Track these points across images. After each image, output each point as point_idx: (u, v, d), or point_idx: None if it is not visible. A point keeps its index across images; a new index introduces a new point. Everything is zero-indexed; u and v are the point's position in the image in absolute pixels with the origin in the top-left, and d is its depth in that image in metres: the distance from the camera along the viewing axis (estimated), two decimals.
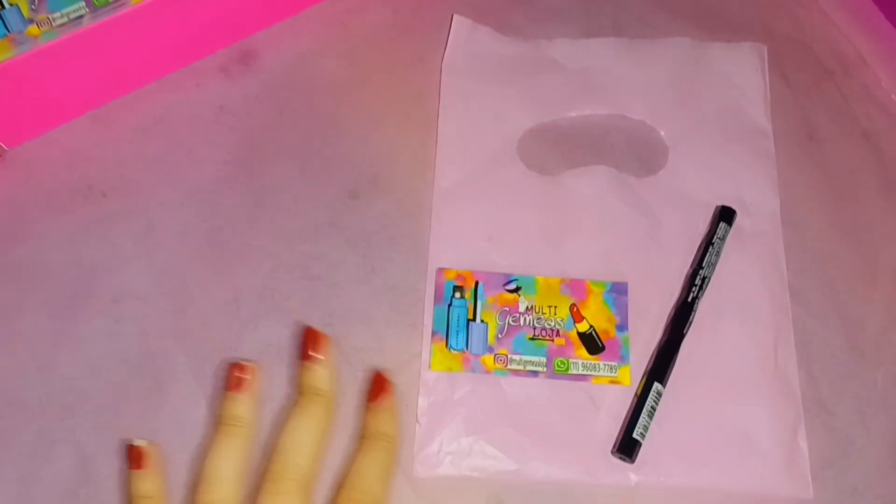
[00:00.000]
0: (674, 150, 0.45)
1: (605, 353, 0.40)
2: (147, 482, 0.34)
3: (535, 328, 0.41)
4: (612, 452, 0.38)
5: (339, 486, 0.33)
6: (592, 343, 0.41)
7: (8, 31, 0.39)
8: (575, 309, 0.41)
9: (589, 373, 0.40)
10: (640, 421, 0.38)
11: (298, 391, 0.34)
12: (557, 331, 0.41)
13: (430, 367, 0.40)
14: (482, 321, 0.41)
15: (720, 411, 0.39)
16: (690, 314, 0.41)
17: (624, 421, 0.39)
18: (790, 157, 0.46)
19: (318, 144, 0.45)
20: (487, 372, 0.40)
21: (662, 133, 0.46)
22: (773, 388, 0.40)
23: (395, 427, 0.35)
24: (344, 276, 0.42)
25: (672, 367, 0.40)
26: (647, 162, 0.45)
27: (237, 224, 0.43)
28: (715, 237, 0.42)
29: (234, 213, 0.43)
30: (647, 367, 0.40)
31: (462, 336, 0.40)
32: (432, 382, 0.40)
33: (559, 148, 0.45)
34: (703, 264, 0.41)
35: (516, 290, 0.41)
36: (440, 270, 0.42)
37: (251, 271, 0.42)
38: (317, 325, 0.39)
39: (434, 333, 0.40)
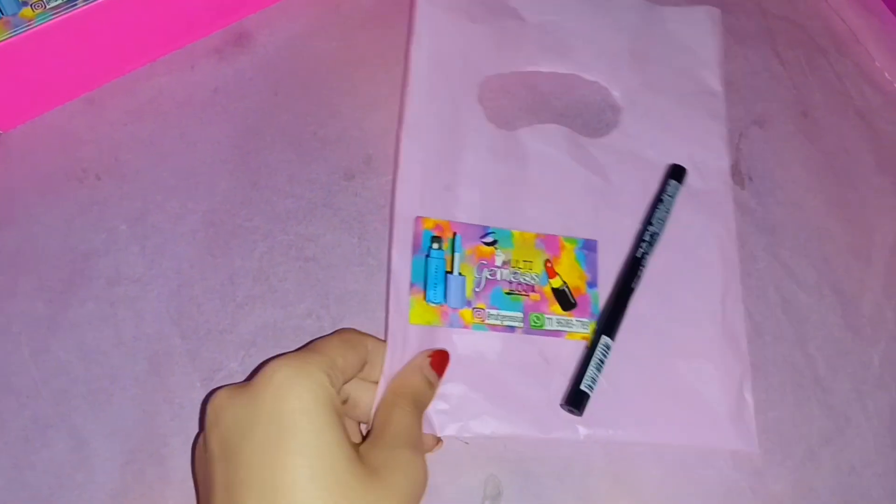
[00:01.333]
0: (627, 111, 0.46)
1: (576, 309, 0.40)
2: None
3: (511, 283, 0.40)
4: (561, 405, 0.38)
5: None
6: (565, 299, 0.40)
7: (2, 13, 0.39)
8: (549, 264, 0.41)
9: (563, 328, 0.40)
10: (587, 373, 0.38)
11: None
12: (532, 286, 0.40)
13: (408, 320, 0.39)
14: (460, 274, 0.40)
15: (669, 366, 0.40)
16: (639, 269, 0.41)
17: (573, 374, 0.39)
18: (784, 135, 0.46)
19: (312, 126, 0.45)
20: (466, 326, 0.39)
21: (616, 94, 0.46)
22: (720, 343, 0.40)
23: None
24: (339, 257, 0.42)
25: (620, 322, 0.40)
26: (600, 122, 0.46)
27: (232, 206, 0.43)
28: (664, 194, 0.42)
29: (228, 195, 0.43)
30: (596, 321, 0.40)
31: (440, 289, 0.39)
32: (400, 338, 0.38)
33: (516, 102, 0.46)
34: (652, 221, 0.42)
35: (493, 242, 0.41)
36: (418, 219, 0.41)
37: (246, 253, 0.42)
38: (312, 307, 0.40)
39: (412, 285, 0.39)
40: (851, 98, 0.47)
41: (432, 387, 0.36)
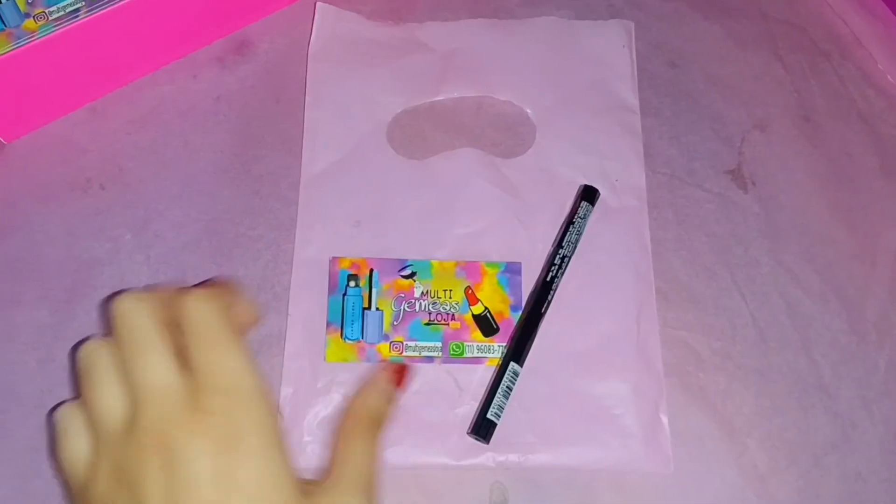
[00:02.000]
0: (541, 129, 0.45)
1: (499, 334, 0.40)
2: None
3: (430, 313, 0.41)
4: (468, 433, 0.38)
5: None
6: (487, 325, 0.41)
7: (5, 25, 0.39)
8: (470, 291, 0.41)
9: (484, 355, 0.40)
10: (494, 401, 0.38)
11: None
12: (453, 314, 0.41)
13: (325, 358, 0.39)
14: (377, 309, 0.40)
15: (582, 388, 0.40)
16: (549, 294, 0.40)
17: (481, 402, 0.39)
18: (787, 139, 0.46)
19: None
20: (383, 360, 0.39)
21: (529, 112, 0.46)
22: (635, 364, 0.40)
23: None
24: None
25: (529, 348, 0.40)
26: (514, 142, 0.45)
27: (235, 214, 0.43)
28: (576, 217, 0.42)
29: (231, 204, 0.43)
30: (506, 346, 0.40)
31: (357, 325, 0.40)
32: (294, 371, 0.39)
33: (427, 131, 0.45)
34: (563, 244, 0.41)
35: (411, 275, 0.41)
36: (334, 259, 0.41)
37: (249, 262, 0.42)
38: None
39: (329, 324, 0.40)
40: (854, 102, 0.47)
41: (391, 402, 0.35)
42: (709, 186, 0.45)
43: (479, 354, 0.40)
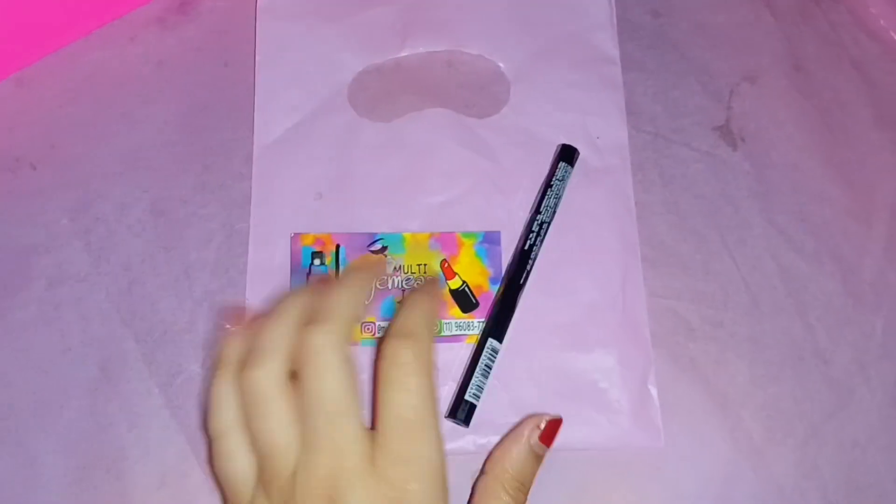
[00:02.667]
0: (516, 85, 0.43)
1: (479, 309, 0.39)
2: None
3: (404, 290, 0.39)
4: (446, 417, 0.37)
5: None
6: (465, 300, 0.39)
7: None
8: (446, 265, 0.39)
9: (463, 332, 0.38)
10: (473, 381, 0.36)
11: None
12: None
13: None
14: None
15: (566, 363, 0.38)
16: (528, 264, 0.39)
17: (458, 383, 0.37)
18: (777, 91, 0.44)
19: None
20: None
21: (502, 66, 0.43)
22: (620, 334, 0.39)
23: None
24: None
25: (509, 322, 0.38)
26: (488, 100, 0.43)
27: (183, 192, 0.40)
28: (554, 179, 0.40)
29: (179, 180, 0.41)
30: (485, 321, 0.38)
31: None
32: None
33: (393, 91, 0.43)
34: (541, 209, 0.39)
35: (382, 250, 0.39)
36: (295, 236, 0.39)
37: (202, 244, 0.40)
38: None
39: None
40: (846, 48, 0.45)
41: (539, 460, 0.33)
42: (696, 145, 0.43)
43: (458, 332, 0.38)
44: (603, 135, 0.42)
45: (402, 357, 0.28)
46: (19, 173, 0.40)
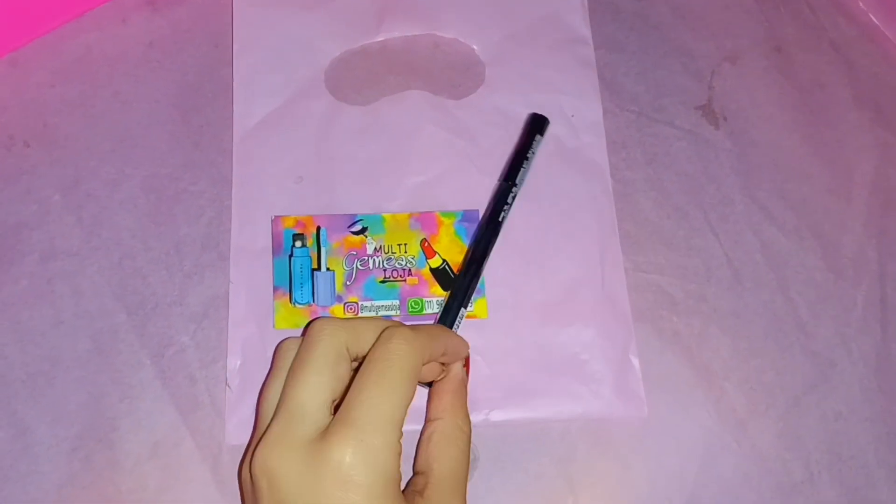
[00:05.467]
0: (491, 66, 0.43)
1: None
2: None
3: (385, 270, 0.38)
4: (421, 384, 0.36)
5: None
6: (446, 278, 0.39)
7: None
8: (426, 244, 0.39)
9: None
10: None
11: None
12: (409, 270, 0.39)
13: (274, 325, 0.37)
14: (328, 269, 0.38)
15: (547, 337, 0.38)
16: (496, 233, 0.38)
17: None
18: (758, 72, 0.44)
19: None
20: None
21: (476, 48, 0.44)
22: (601, 308, 0.39)
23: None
24: None
25: (473, 290, 0.38)
26: (464, 82, 0.43)
27: (173, 169, 0.40)
28: (525, 148, 0.40)
29: (169, 158, 0.41)
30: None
31: (307, 288, 0.38)
32: (241, 341, 0.37)
33: (370, 75, 0.43)
34: (509, 179, 0.39)
35: (362, 231, 0.39)
36: (277, 219, 0.39)
37: (192, 219, 0.40)
38: None
39: (276, 289, 0.38)
40: (826, 30, 0.46)
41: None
42: (679, 123, 0.43)
43: (440, 310, 0.38)
44: (577, 113, 0.42)
45: None
46: (13, 150, 0.40)
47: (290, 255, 0.38)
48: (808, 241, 0.41)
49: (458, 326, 0.37)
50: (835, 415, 0.38)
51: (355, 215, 0.39)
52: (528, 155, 0.40)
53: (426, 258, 0.39)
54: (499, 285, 0.39)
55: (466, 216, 0.39)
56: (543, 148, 0.41)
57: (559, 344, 0.38)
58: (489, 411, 0.37)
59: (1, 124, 0.41)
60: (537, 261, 0.40)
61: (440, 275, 0.39)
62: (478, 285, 0.38)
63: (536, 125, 0.41)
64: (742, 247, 0.41)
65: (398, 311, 0.38)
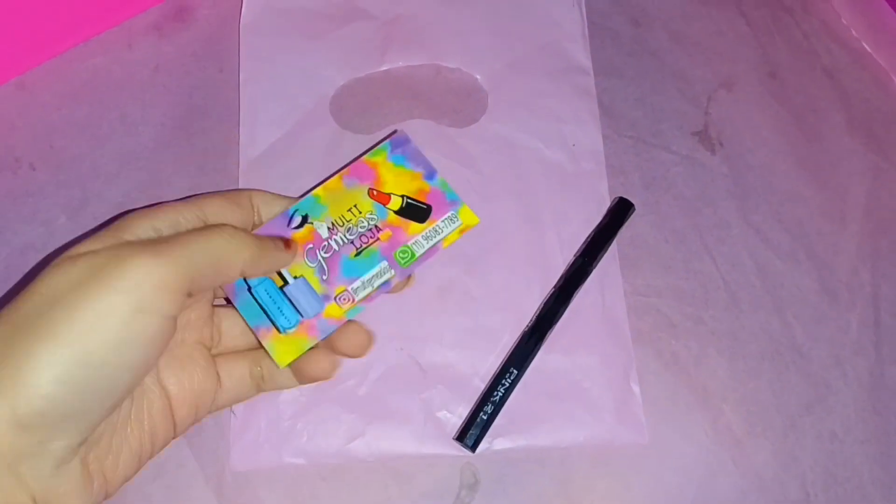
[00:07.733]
0: (493, 95, 0.44)
1: (434, 211, 0.35)
2: None
3: (352, 242, 0.35)
4: (454, 439, 0.37)
5: None
6: (417, 210, 0.35)
7: None
8: (374, 193, 0.35)
9: (436, 239, 0.35)
10: (485, 410, 0.37)
11: None
12: (376, 227, 0.35)
13: (279, 365, 0.33)
14: (295, 278, 0.34)
15: (549, 365, 0.39)
16: (567, 305, 0.39)
17: (472, 408, 0.38)
18: (753, 97, 0.45)
19: None
20: (339, 322, 0.34)
21: (479, 78, 0.44)
22: (601, 335, 0.39)
23: None
24: None
25: (533, 357, 0.38)
26: (467, 110, 0.44)
27: (178, 192, 0.41)
28: (610, 232, 0.41)
29: (174, 181, 0.41)
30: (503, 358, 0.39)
31: (287, 309, 0.33)
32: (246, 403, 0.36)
33: (373, 104, 0.43)
34: (587, 256, 0.40)
35: (304, 221, 0.35)
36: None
37: None
38: None
39: (257, 330, 0.33)
40: (819, 57, 0.46)
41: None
42: (676, 148, 0.44)
43: (431, 243, 0.35)
44: (578, 142, 0.43)
45: None
46: (19, 173, 0.41)
47: (249, 289, 0.34)
48: (804, 263, 0.42)
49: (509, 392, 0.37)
50: (830, 436, 0.39)
51: (287, 213, 0.35)
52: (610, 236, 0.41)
53: (384, 206, 0.35)
54: (500, 311, 0.39)
55: (394, 143, 0.36)
56: (545, 174, 0.42)
57: (561, 371, 0.38)
58: (492, 440, 0.37)
59: (8, 146, 0.41)
60: (539, 286, 0.40)
61: (408, 211, 0.35)
62: (451, 198, 0.36)
63: (622, 209, 0.41)
64: (738, 269, 0.41)
65: (392, 272, 0.34)
